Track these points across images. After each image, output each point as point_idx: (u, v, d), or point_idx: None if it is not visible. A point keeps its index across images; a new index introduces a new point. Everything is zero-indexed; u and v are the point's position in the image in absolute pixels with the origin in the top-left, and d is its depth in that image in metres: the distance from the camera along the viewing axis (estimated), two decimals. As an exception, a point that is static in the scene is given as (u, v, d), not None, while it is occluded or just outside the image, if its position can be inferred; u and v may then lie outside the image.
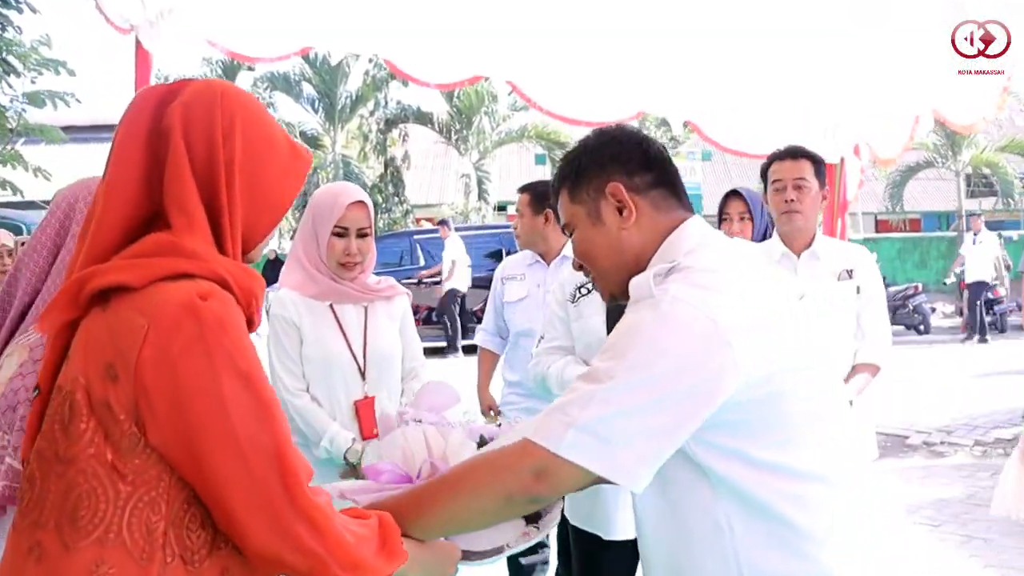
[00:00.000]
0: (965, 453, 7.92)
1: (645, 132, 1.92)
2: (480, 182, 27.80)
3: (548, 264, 4.22)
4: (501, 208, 31.36)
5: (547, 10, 5.01)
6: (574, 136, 27.02)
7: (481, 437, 2.07)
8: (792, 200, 3.56)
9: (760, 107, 6.48)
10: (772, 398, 1.58)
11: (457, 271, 16.08)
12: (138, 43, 4.75)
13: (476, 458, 1.75)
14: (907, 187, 28.37)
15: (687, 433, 1.56)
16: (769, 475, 1.60)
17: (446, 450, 1.96)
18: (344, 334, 3.18)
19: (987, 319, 17.54)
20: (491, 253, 17.02)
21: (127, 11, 4.63)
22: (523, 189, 4.30)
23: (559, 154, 26.98)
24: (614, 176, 1.81)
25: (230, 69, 26.24)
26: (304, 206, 4.60)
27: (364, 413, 3.15)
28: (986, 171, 28.34)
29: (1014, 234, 24.89)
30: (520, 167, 34.12)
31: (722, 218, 4.31)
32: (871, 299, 3.57)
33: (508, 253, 16.83)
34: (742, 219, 4.32)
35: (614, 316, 2.72)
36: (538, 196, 4.23)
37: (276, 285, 4.74)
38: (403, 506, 1.66)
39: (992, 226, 30.16)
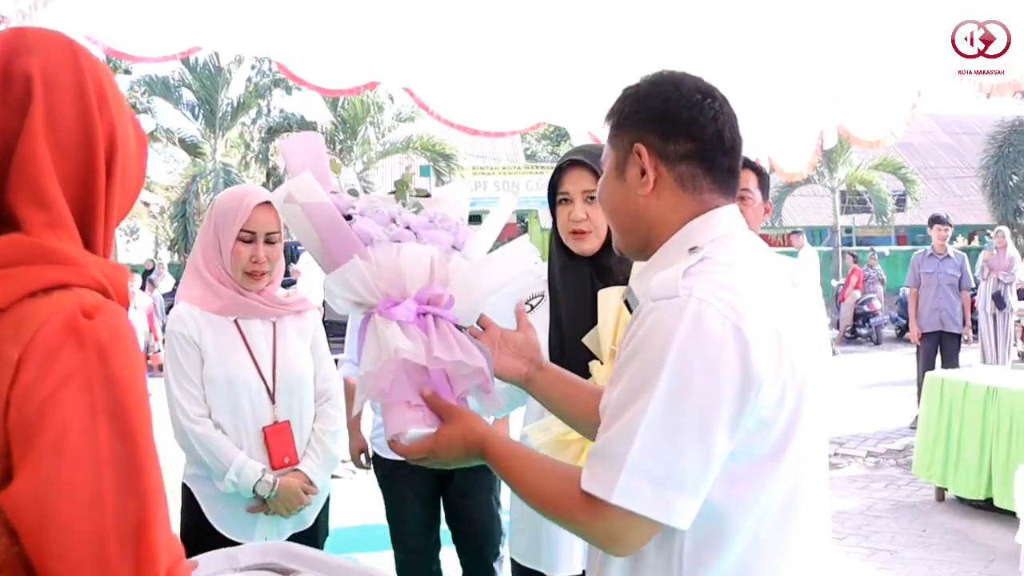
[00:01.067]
0: (858, 464, 8.03)
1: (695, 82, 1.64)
2: (364, 193, 27.38)
3: None
4: (387, 219, 31.04)
5: (447, 17, 4.83)
6: (460, 148, 27.10)
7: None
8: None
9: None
10: (779, 410, 1.43)
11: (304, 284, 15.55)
12: None
13: (537, 471, 1.58)
14: (785, 202, 29.17)
15: (728, 449, 1.39)
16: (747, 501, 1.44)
17: (449, 278, 1.78)
18: (251, 353, 2.89)
19: (863, 331, 18.09)
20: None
21: (-2, 1, 4.29)
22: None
23: (444, 165, 26.94)
24: (647, 135, 1.60)
25: (105, 72, 25.35)
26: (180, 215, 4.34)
27: (274, 441, 2.86)
28: (861, 188, 29.37)
29: (886, 250, 25.75)
30: (404, 178, 33.87)
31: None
32: (812, 310, 3.47)
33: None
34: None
35: (558, 330, 2.60)
36: None
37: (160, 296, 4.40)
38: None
39: (865, 242, 31.38)
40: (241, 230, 2.82)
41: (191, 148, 27.18)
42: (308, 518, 2.98)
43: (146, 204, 30.73)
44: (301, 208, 1.76)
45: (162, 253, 28.83)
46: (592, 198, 2.64)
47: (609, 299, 2.51)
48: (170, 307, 11.49)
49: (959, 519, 6.30)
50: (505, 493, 2.83)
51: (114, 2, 4.59)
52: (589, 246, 2.64)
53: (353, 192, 1.89)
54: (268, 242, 2.88)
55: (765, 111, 6.01)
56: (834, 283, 22.03)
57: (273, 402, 2.89)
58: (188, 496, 2.91)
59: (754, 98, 5.83)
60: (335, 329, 4.19)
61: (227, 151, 27.89)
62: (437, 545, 3.91)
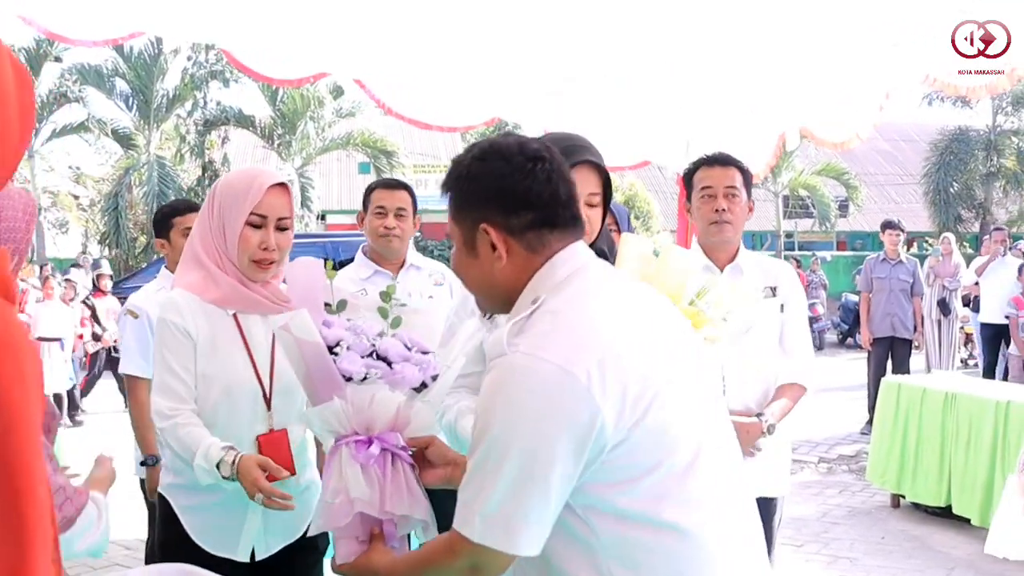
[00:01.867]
0: (811, 470, 7.97)
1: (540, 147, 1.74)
2: (303, 189, 27.00)
3: (394, 273, 3.84)
4: (322, 216, 30.70)
5: (400, 10, 4.67)
6: (401, 145, 26.89)
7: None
8: (723, 210, 3.31)
9: (618, 119, 6.31)
10: (642, 435, 1.56)
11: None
12: None
13: (414, 561, 1.82)
14: (725, 205, 29.37)
15: (571, 486, 1.57)
16: (642, 511, 1.59)
17: (409, 418, 2.06)
18: (249, 352, 2.60)
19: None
20: (310, 264, 16.47)
21: (-78, -26, 4.01)
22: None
23: (384, 162, 26.68)
24: (490, 215, 1.71)
25: (35, 58, 24.62)
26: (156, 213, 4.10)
27: (269, 451, 2.53)
28: (804, 193, 29.73)
29: (828, 255, 26.05)
30: (343, 175, 33.56)
31: None
32: (794, 317, 3.36)
33: (334, 262, 16.48)
34: (611, 231, 4.07)
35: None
36: None
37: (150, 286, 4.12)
38: None
39: (806, 247, 31.79)
40: (251, 213, 2.55)
41: (124, 140, 26.50)
42: (296, 528, 2.64)
43: (76, 197, 30.02)
44: (296, 341, 2.04)
45: (92, 247, 28.13)
46: (592, 204, 2.52)
47: None
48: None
49: (917, 526, 6.24)
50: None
51: (52, -20, 4.33)
52: None
53: (342, 304, 2.22)
54: (280, 228, 2.61)
55: (725, 110, 5.91)
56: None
57: (269, 408, 2.60)
58: (166, 508, 2.63)
59: (714, 96, 5.74)
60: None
61: (162, 143, 27.28)
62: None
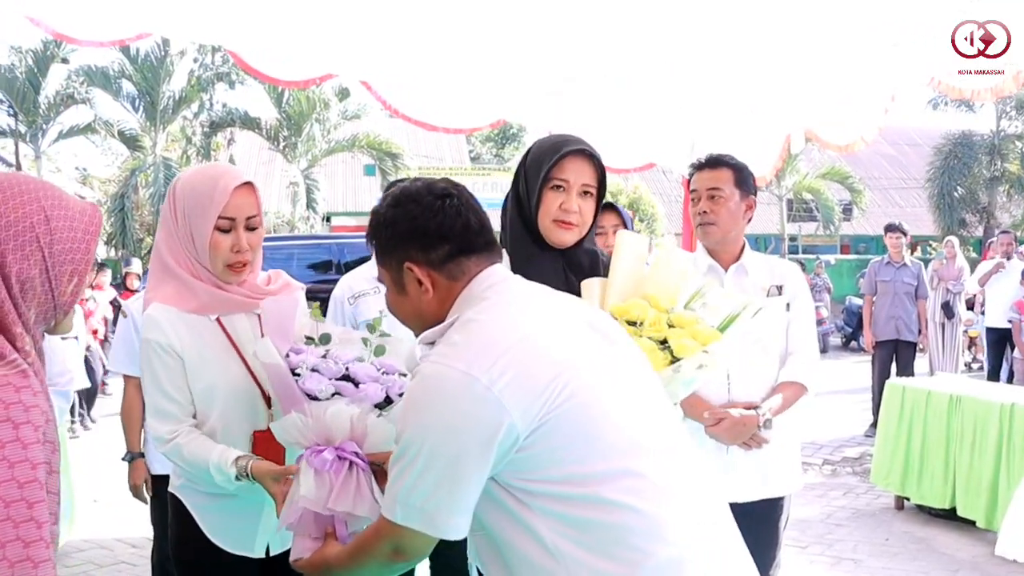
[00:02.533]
0: (816, 472, 7.97)
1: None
2: (309, 191, 27.07)
3: None
4: (328, 218, 30.75)
5: (407, 12, 4.67)
6: (406, 147, 26.92)
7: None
8: (705, 212, 3.32)
9: (622, 121, 6.32)
10: (555, 423, 1.67)
11: None
12: None
13: (350, 547, 1.98)
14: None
15: (484, 476, 1.70)
16: (580, 493, 1.69)
17: (366, 432, 2.23)
18: (239, 354, 2.54)
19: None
20: (316, 264, 16.45)
21: (-68, -24, 4.03)
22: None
23: (389, 164, 26.72)
24: (410, 254, 1.87)
25: (42, 59, 24.72)
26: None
27: (262, 447, 2.51)
28: (808, 197, 29.71)
29: (832, 258, 26.00)
30: (348, 177, 33.61)
31: (597, 232, 4.05)
32: (800, 317, 3.36)
33: (339, 264, 16.47)
34: (616, 232, 4.08)
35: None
36: None
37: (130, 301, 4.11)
38: None
39: (810, 250, 31.76)
40: (219, 217, 2.44)
41: (130, 141, 26.59)
42: None
43: (82, 198, 30.06)
44: (263, 365, 2.34)
45: (99, 248, 28.20)
46: (588, 192, 2.56)
47: (592, 290, 2.48)
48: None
49: (921, 528, 6.24)
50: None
51: (59, -19, 4.35)
52: (572, 238, 2.57)
53: (325, 338, 2.42)
54: (249, 228, 2.51)
55: (731, 112, 5.92)
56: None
57: (269, 406, 2.55)
58: (179, 506, 2.61)
59: (719, 99, 5.75)
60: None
61: (168, 145, 27.40)
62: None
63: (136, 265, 13.02)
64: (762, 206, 33.04)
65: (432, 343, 1.85)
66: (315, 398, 2.26)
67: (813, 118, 5.60)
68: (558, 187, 2.53)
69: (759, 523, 3.23)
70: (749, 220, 3.44)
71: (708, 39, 4.83)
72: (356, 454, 2.21)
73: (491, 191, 28.84)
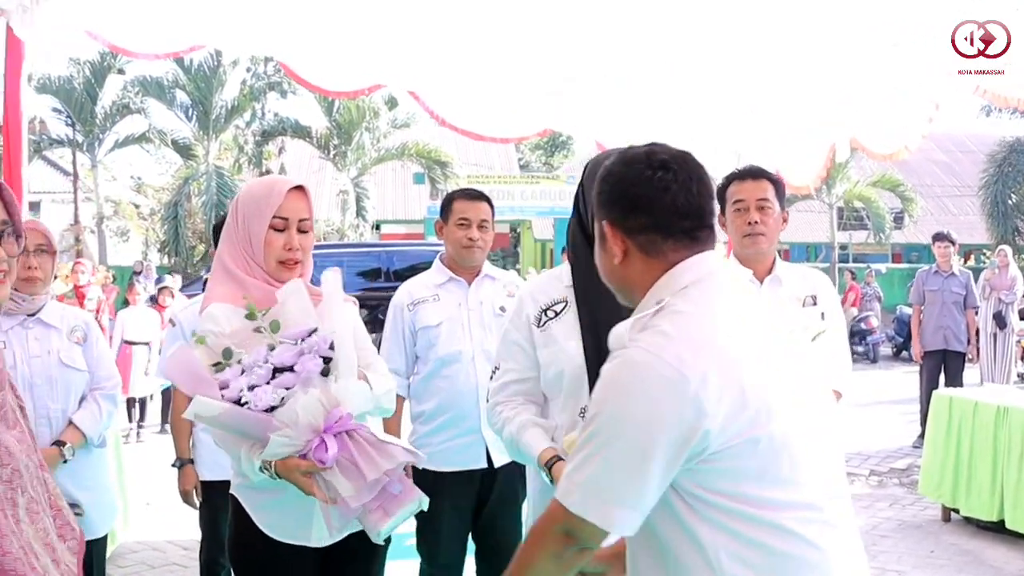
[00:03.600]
0: (862, 483, 7.91)
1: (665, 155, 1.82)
2: (358, 199, 27.32)
3: (469, 282, 3.90)
4: (377, 226, 30.98)
5: (454, 23, 4.76)
6: (455, 155, 27.06)
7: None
8: (756, 222, 3.35)
9: (669, 131, 6.34)
10: (749, 444, 1.64)
11: None
12: (9, 30, 4.35)
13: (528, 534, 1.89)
14: (782, 218, 29.15)
15: (668, 479, 1.66)
16: (757, 514, 1.66)
17: (337, 399, 2.37)
18: None
19: (859, 349, 17.98)
20: (365, 272, 16.61)
21: (-3, -7, 4.17)
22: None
23: (439, 173, 26.88)
24: (610, 215, 1.85)
25: (99, 70, 25.26)
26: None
27: None
28: (858, 205, 29.40)
29: (883, 267, 25.74)
30: (398, 185, 33.84)
31: None
32: (834, 327, 3.39)
33: (388, 272, 16.61)
34: None
35: (593, 334, 2.49)
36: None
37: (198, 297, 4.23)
38: None
39: (860, 259, 31.46)
40: (274, 217, 2.65)
41: (184, 150, 27.06)
42: None
43: (137, 206, 30.63)
44: (213, 421, 2.40)
45: (152, 255, 28.67)
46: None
47: None
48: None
49: (968, 540, 6.18)
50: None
51: (117, -4, 4.49)
52: None
53: (228, 353, 2.47)
54: (301, 230, 2.70)
55: (777, 122, 5.94)
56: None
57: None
58: (237, 506, 2.73)
59: (766, 109, 5.77)
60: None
61: (220, 153, 27.80)
62: (463, 560, 3.86)
63: (170, 281, 13.21)
64: (812, 214, 32.83)
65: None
66: (274, 408, 2.36)
67: (858, 127, 5.61)
68: None
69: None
70: (781, 231, 3.47)
71: (754, 51, 4.86)
72: (340, 420, 2.36)
73: (540, 199, 28.90)
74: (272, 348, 2.43)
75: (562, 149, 44.18)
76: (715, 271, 1.81)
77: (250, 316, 2.50)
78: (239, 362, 2.44)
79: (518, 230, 36.75)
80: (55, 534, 1.92)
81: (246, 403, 2.36)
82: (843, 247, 31.63)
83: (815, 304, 3.36)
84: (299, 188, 2.71)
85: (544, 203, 28.72)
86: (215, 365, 2.47)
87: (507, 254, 35.96)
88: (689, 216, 1.80)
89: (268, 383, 2.37)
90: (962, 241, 30.32)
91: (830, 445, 1.82)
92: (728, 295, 1.80)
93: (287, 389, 2.37)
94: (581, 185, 2.62)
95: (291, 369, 2.38)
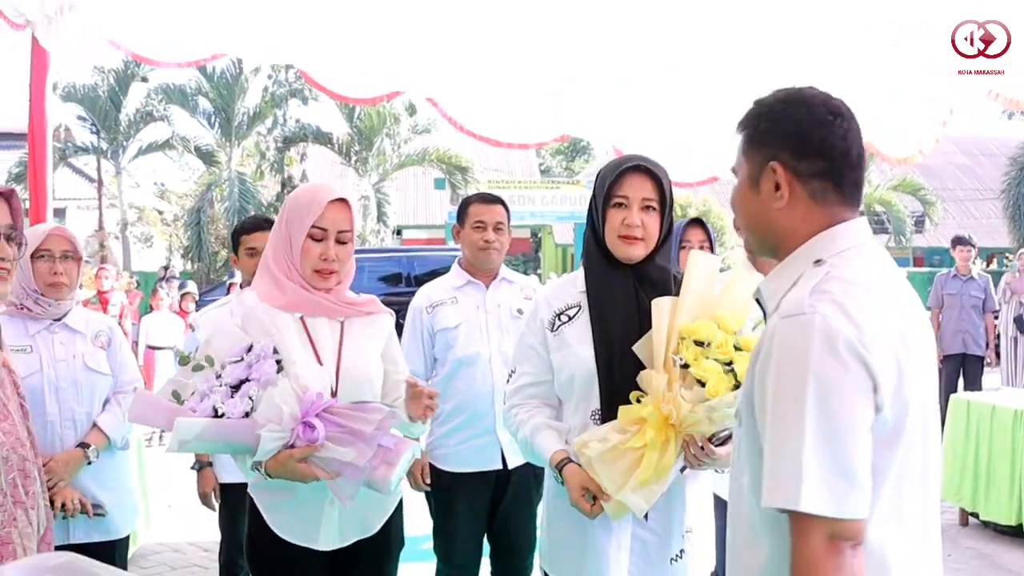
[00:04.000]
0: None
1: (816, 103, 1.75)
2: (379, 204, 27.46)
3: (486, 285, 3.95)
4: (398, 232, 31.10)
5: (471, 30, 4.82)
6: (476, 161, 27.14)
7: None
8: None
9: (686, 135, 6.38)
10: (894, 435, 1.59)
11: None
12: (34, 40, 4.46)
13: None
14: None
15: (869, 444, 1.56)
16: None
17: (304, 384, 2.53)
18: (316, 351, 2.74)
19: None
20: (387, 277, 16.71)
21: (23, 5, 4.31)
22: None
23: (459, 178, 26.95)
24: (781, 154, 1.75)
25: (123, 79, 25.50)
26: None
27: None
28: (879, 209, 29.28)
29: (904, 271, 25.57)
30: (419, 191, 33.97)
31: (682, 245, 4.12)
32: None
33: (409, 277, 16.70)
34: (702, 247, 4.16)
35: (604, 339, 2.54)
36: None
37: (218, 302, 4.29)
38: None
39: (882, 261, 31.22)
40: (312, 227, 2.71)
41: (206, 156, 27.28)
42: (372, 525, 2.83)
43: (160, 212, 30.88)
44: (198, 439, 2.43)
45: (175, 260, 28.88)
46: (650, 207, 2.58)
47: (662, 308, 2.48)
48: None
49: (986, 544, 6.17)
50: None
51: (138, 8, 4.58)
52: (638, 252, 2.59)
53: (202, 366, 2.55)
54: (339, 241, 2.76)
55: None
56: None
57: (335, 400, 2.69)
58: (252, 507, 2.81)
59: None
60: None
61: (242, 160, 28.03)
62: (479, 560, 3.92)
63: (192, 287, 13.30)
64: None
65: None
66: (248, 413, 2.46)
67: (872, 131, 5.62)
68: (620, 204, 2.58)
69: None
70: None
71: (769, 51, 4.89)
72: (313, 404, 2.48)
73: (560, 204, 28.93)
74: (218, 376, 2.53)
75: (583, 154, 44.24)
76: (868, 243, 1.77)
77: (182, 361, 2.60)
78: (192, 394, 2.53)
79: (539, 235, 36.79)
80: (22, 526, 2.12)
81: (222, 415, 2.44)
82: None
83: None
84: (341, 200, 2.76)
85: (564, 208, 28.76)
86: (174, 395, 2.55)
87: (528, 259, 36.00)
88: (857, 168, 1.76)
89: (231, 397, 2.47)
90: (984, 245, 30.17)
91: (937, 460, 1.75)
92: (885, 271, 1.74)
93: (251, 396, 2.48)
94: (594, 196, 2.67)
95: (246, 380, 2.50)
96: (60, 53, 4.56)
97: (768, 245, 1.84)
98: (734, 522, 1.81)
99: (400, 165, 28.07)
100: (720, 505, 3.32)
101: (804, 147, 1.73)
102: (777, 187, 1.75)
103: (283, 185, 27.70)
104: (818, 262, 1.69)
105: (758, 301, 1.88)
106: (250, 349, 2.55)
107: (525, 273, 28.19)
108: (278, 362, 2.53)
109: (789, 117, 1.75)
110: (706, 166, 6.84)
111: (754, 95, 4.86)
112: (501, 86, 5.66)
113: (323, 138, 27.80)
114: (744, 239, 1.93)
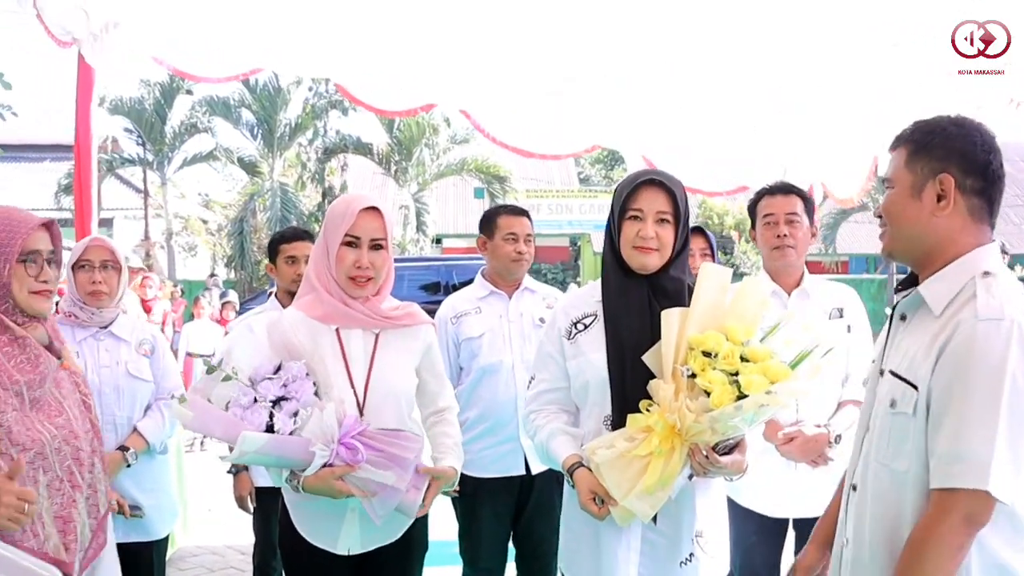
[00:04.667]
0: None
1: None
2: (419, 214, 27.65)
3: (509, 295, 4.05)
4: (438, 240, 31.25)
5: (503, 40, 4.88)
6: (515, 170, 27.22)
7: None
8: (785, 235, 3.45)
9: (716, 144, 6.42)
10: None
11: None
12: (80, 57, 4.58)
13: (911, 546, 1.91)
14: (840, 229, 28.86)
15: None
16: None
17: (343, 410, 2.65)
18: (346, 362, 2.81)
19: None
20: (426, 285, 16.83)
21: (70, 23, 4.42)
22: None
23: (498, 188, 27.03)
24: (951, 168, 1.98)
25: (168, 91, 25.90)
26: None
27: None
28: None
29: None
30: (458, 200, 34.11)
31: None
32: (860, 339, 3.48)
33: (448, 285, 16.81)
34: (704, 255, 4.23)
35: (617, 347, 2.62)
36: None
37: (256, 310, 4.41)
38: None
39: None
40: (346, 234, 2.78)
41: (249, 167, 27.61)
42: (394, 531, 2.88)
43: (204, 222, 31.27)
44: (258, 452, 2.53)
45: (219, 269, 29.24)
46: (664, 219, 2.65)
47: (672, 319, 2.53)
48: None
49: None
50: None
51: (180, 25, 4.71)
52: (652, 262, 2.65)
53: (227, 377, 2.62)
54: (373, 247, 2.82)
55: (818, 136, 5.98)
56: (888, 311, 21.72)
57: (361, 414, 2.78)
58: (284, 505, 2.92)
59: (807, 123, 5.82)
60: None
61: (284, 170, 28.30)
62: (504, 564, 4.01)
63: (233, 296, 13.47)
64: (869, 226, 32.27)
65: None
66: (295, 431, 2.58)
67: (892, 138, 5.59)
68: (635, 216, 2.66)
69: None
70: (810, 246, 3.56)
71: (766, 54, 4.90)
72: (352, 426, 2.60)
73: (598, 213, 28.96)
74: (254, 388, 2.63)
75: (621, 163, 44.07)
76: (1003, 266, 2.00)
77: (209, 370, 2.66)
78: (228, 405, 2.62)
79: (577, 243, 36.79)
80: (81, 507, 2.40)
81: (277, 430, 2.56)
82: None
83: (841, 317, 3.45)
84: (374, 209, 2.84)
85: (603, 216, 28.34)
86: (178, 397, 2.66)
87: (567, 267, 36.00)
88: (999, 198, 2.03)
89: (272, 414, 2.58)
90: (1016, 252, 29.80)
91: None
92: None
93: (295, 415, 2.59)
94: (611, 209, 2.75)
95: (284, 399, 2.60)
96: (105, 69, 4.69)
97: (919, 250, 2.04)
98: (876, 502, 2.01)
99: (439, 175, 28.23)
100: (735, 510, 3.39)
101: (972, 166, 1.97)
102: (939, 198, 1.98)
103: (324, 195, 27.99)
104: (986, 274, 1.93)
105: (894, 309, 2.13)
106: (279, 368, 2.65)
107: (564, 282, 28.08)
108: (314, 383, 2.65)
109: (963, 137, 1.99)
110: (736, 176, 6.88)
111: (765, 100, 4.82)
112: (532, 98, 5.74)
113: (363, 149, 28.03)
114: (887, 247, 2.13)
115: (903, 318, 2.11)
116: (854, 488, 2.11)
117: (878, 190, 26.20)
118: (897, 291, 2.17)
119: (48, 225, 2.49)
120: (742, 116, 5.86)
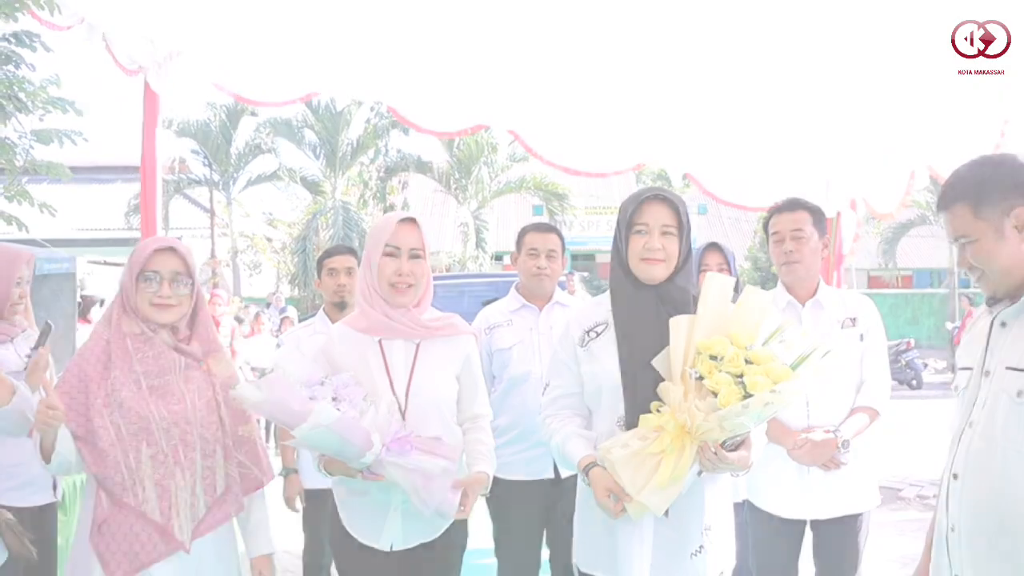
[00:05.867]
0: (915, 508, 7.87)
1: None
2: (478, 231, 27.87)
3: (540, 308, 4.23)
4: (498, 257, 31.42)
5: (550, 62, 5.03)
6: (572, 188, 27.28)
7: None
8: (791, 251, 3.60)
9: (758, 161, 6.52)
10: None
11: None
12: (146, 84, 4.81)
13: None
14: (900, 243, 28.50)
15: None
16: None
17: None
18: (388, 372, 3.00)
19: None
20: (488, 301, 16.96)
21: (136, 53, 4.67)
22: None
23: (557, 205, 27.09)
24: (1016, 200, 2.19)
25: (234, 114, 26.46)
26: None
27: None
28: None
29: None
30: (517, 217, 34.27)
31: (701, 268, 4.31)
32: (873, 347, 3.60)
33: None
34: (721, 270, 4.35)
35: (628, 353, 2.77)
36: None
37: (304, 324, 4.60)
38: None
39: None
40: (386, 245, 2.98)
41: (312, 186, 28.07)
42: (435, 529, 3.04)
43: (269, 240, 31.78)
44: (328, 428, 2.68)
45: (283, 287, 29.70)
46: (668, 232, 2.80)
47: (680, 326, 2.68)
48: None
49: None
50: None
51: (240, 52, 4.97)
52: (659, 272, 2.80)
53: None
54: (412, 257, 3.02)
55: (856, 150, 6.05)
56: (949, 326, 21.48)
57: (404, 419, 2.95)
58: (334, 505, 3.10)
59: (846, 138, 5.89)
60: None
61: (346, 189, 28.68)
62: (538, 564, 4.16)
63: (292, 312, 13.80)
64: (929, 239, 31.70)
65: None
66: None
67: (932, 153, 5.64)
68: (640, 231, 2.81)
69: (841, 537, 3.51)
70: (823, 259, 3.68)
71: (843, 82, 4.98)
72: (397, 430, 2.82)
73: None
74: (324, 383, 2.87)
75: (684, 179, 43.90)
76: None
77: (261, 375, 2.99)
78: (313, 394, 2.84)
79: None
80: (187, 482, 2.78)
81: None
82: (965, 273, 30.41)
83: (853, 325, 3.57)
84: (411, 220, 3.05)
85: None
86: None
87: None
88: None
89: (335, 398, 2.81)
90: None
91: None
92: None
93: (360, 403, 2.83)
94: (618, 224, 2.89)
95: (337, 400, 2.81)
96: (169, 95, 4.94)
97: (1015, 284, 2.24)
98: (979, 488, 2.21)
99: (498, 192, 28.41)
100: (754, 512, 3.55)
101: None
102: (1019, 228, 2.19)
103: (385, 213, 28.28)
104: None
105: (995, 315, 2.31)
106: (323, 382, 2.85)
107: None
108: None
109: (1010, 169, 2.23)
110: (779, 191, 6.91)
111: (807, 116, 4.84)
112: (578, 117, 5.87)
113: (423, 167, 28.33)
114: (991, 289, 2.30)
115: (1003, 325, 2.27)
116: (955, 476, 2.29)
117: (933, 203, 25.81)
118: (989, 304, 2.36)
119: (172, 248, 2.89)
120: (784, 132, 5.94)
